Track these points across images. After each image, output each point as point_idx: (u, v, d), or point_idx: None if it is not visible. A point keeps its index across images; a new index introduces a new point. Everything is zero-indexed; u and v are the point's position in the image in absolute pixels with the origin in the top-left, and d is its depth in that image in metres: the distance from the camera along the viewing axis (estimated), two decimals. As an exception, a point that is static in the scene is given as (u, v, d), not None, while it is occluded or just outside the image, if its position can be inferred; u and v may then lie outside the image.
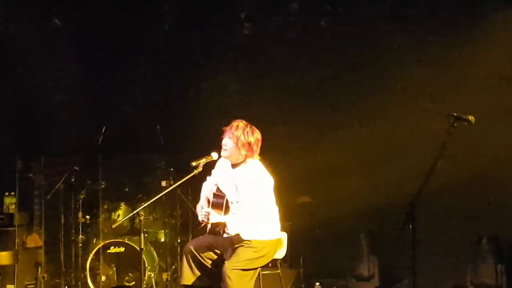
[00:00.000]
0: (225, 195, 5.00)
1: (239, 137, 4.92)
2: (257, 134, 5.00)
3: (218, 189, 5.11)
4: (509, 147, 6.51)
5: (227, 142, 4.97)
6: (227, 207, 4.96)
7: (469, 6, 6.78)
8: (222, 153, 5.02)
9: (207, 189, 5.24)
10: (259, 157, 5.05)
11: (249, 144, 4.93)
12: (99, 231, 7.56)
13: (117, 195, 7.83)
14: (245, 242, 4.82)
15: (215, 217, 4.97)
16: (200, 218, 5.05)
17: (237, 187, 4.96)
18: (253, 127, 5.02)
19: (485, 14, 6.66)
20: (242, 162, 5.01)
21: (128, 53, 8.15)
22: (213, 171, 5.28)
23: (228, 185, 5.04)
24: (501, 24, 6.61)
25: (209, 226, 5.01)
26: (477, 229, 6.83)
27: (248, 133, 4.94)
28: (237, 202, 4.94)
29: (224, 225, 4.92)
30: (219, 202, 5.00)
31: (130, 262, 7.24)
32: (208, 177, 5.30)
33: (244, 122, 5.01)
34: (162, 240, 7.75)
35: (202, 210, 5.07)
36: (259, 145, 5.02)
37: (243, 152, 4.94)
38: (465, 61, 6.73)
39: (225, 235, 4.95)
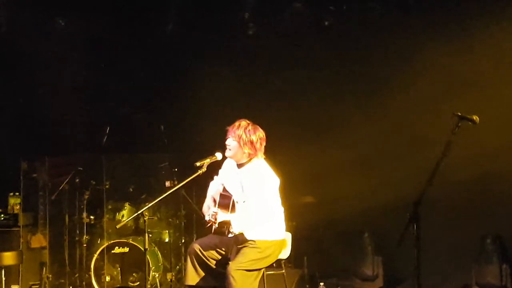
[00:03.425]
0: (231, 195, 5.01)
1: (241, 136, 4.93)
2: (260, 133, 4.99)
3: (224, 189, 5.12)
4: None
5: (230, 142, 4.98)
6: (233, 207, 4.97)
7: (471, 5, 6.77)
8: (226, 153, 5.03)
9: (214, 189, 5.24)
10: (264, 156, 5.06)
11: (251, 142, 4.93)
12: (104, 231, 7.58)
13: (121, 195, 7.84)
14: (250, 242, 4.82)
15: (222, 215, 4.98)
16: (207, 218, 5.05)
17: (243, 187, 4.97)
18: (256, 125, 5.02)
19: (487, 13, 6.64)
20: (248, 161, 5.01)
21: (132, 53, 8.16)
22: (220, 171, 5.28)
23: (234, 185, 5.05)
24: (504, 23, 6.60)
25: (215, 226, 5.01)
26: (482, 229, 6.82)
27: (250, 132, 4.95)
28: (244, 202, 4.95)
29: (229, 224, 4.93)
30: (226, 202, 5.01)
31: (134, 262, 7.25)
32: (215, 177, 5.30)
33: (246, 121, 5.02)
34: (167, 240, 7.76)
35: (210, 210, 5.08)
36: (263, 143, 5.01)
37: (246, 150, 4.95)
38: (469, 60, 6.71)
39: (230, 235, 4.95)
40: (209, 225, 5.06)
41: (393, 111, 7.19)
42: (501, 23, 6.60)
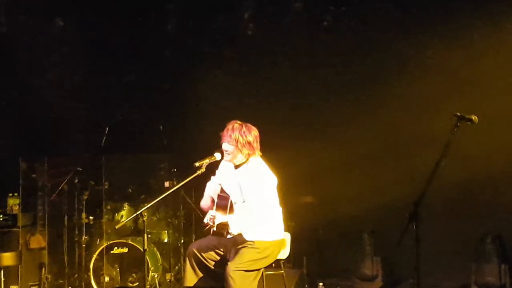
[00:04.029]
0: (229, 196, 5.01)
1: (237, 139, 4.91)
2: (254, 132, 4.99)
3: (222, 190, 5.11)
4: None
5: (227, 147, 4.97)
6: (231, 207, 4.97)
7: (473, 5, 6.77)
8: (225, 158, 5.03)
9: (211, 188, 5.24)
10: (260, 153, 5.05)
11: (249, 143, 4.93)
12: (103, 231, 7.57)
13: (120, 195, 7.83)
14: (248, 242, 4.82)
15: (220, 217, 4.97)
16: (205, 221, 5.04)
17: (241, 188, 4.96)
18: (248, 124, 5.00)
19: (487, 13, 6.65)
20: (245, 162, 5.01)
21: (131, 53, 8.16)
22: (217, 171, 5.28)
23: (232, 185, 5.04)
24: (505, 23, 6.60)
25: (213, 228, 5.00)
26: (481, 229, 6.82)
27: (245, 133, 4.93)
28: (242, 202, 4.94)
29: (227, 225, 4.92)
30: (224, 203, 5.01)
31: (133, 263, 7.24)
32: (212, 177, 5.30)
33: (238, 122, 5.00)
34: (166, 240, 7.75)
35: (208, 213, 5.06)
36: (258, 141, 5.01)
37: (245, 151, 4.94)
38: (468, 60, 6.71)
39: (228, 236, 4.95)
40: (207, 227, 5.06)
41: (393, 111, 7.18)
42: (501, 22, 6.60)
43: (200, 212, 6.77)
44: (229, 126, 4.97)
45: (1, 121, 8.15)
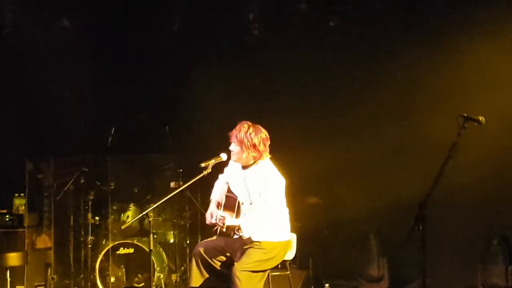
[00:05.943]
0: (236, 197, 4.99)
1: (242, 141, 4.88)
2: (262, 134, 4.93)
3: (229, 190, 5.10)
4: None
5: (233, 147, 4.95)
6: (239, 208, 4.95)
7: (477, 5, 6.75)
8: (232, 158, 5.01)
9: (218, 191, 5.22)
10: (269, 156, 5.02)
11: (254, 146, 4.89)
12: (108, 232, 7.57)
13: (126, 196, 7.84)
14: (255, 243, 4.81)
15: (229, 220, 4.94)
16: (213, 221, 4.99)
17: (248, 189, 4.95)
18: (258, 126, 4.96)
19: (492, 13, 6.63)
20: (253, 163, 4.99)
21: (136, 53, 8.15)
22: (225, 169, 5.26)
23: (239, 186, 5.03)
24: (508, 24, 6.59)
25: (223, 229, 4.98)
26: (488, 230, 6.80)
27: (251, 135, 4.89)
28: (250, 204, 4.92)
29: (235, 227, 4.91)
30: (231, 203, 4.99)
31: (139, 263, 7.24)
32: (220, 175, 5.28)
33: (247, 123, 4.96)
34: (171, 241, 7.76)
35: (217, 214, 5.03)
36: (266, 143, 4.96)
37: (251, 153, 4.91)
38: (475, 60, 6.69)
39: (235, 236, 4.94)
40: (215, 228, 5.04)
41: (398, 113, 7.18)
42: (507, 24, 6.58)
43: (205, 212, 6.77)
44: (238, 127, 4.94)
45: (7, 121, 8.16)
